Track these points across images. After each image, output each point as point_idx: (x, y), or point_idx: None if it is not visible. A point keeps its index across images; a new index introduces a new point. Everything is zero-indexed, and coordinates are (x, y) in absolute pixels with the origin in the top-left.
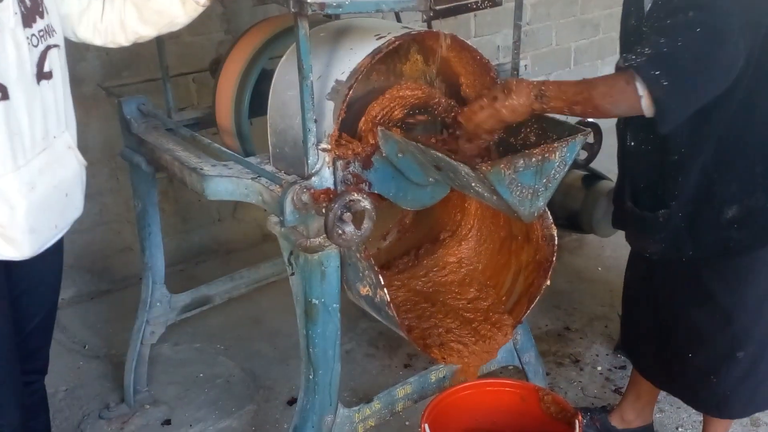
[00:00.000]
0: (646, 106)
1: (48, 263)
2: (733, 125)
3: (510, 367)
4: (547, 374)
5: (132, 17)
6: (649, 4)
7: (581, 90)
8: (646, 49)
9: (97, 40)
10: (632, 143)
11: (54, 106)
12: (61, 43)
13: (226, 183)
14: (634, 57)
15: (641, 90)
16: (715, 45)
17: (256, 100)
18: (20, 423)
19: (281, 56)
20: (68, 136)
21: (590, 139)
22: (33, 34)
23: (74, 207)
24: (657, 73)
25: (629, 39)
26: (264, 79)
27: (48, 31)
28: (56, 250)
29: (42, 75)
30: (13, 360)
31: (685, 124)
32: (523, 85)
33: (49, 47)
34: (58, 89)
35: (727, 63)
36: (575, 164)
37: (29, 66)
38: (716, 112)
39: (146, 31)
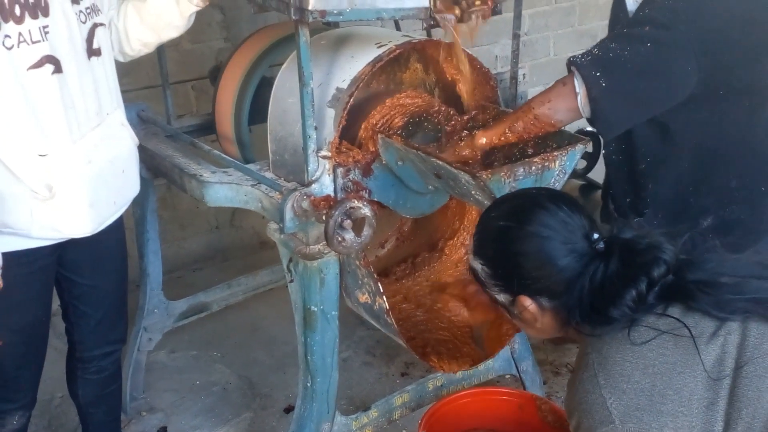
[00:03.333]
0: (583, 105)
1: (112, 239)
2: (707, 140)
3: (507, 376)
4: (544, 383)
5: (134, 23)
6: (633, 11)
7: (521, 107)
8: (595, 50)
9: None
10: (606, 152)
11: (105, 82)
12: (107, 23)
13: (225, 190)
14: (580, 56)
15: (578, 87)
16: (662, 61)
17: (256, 108)
18: (30, 413)
19: (281, 64)
20: (121, 114)
21: (589, 148)
22: (80, 11)
23: (131, 185)
24: (597, 73)
25: None
26: (264, 86)
27: (94, 9)
28: (117, 226)
29: (92, 51)
30: (44, 345)
31: (648, 134)
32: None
33: (96, 25)
34: (108, 67)
35: (671, 80)
36: (573, 173)
37: (80, 41)
38: (676, 124)
39: (148, 36)
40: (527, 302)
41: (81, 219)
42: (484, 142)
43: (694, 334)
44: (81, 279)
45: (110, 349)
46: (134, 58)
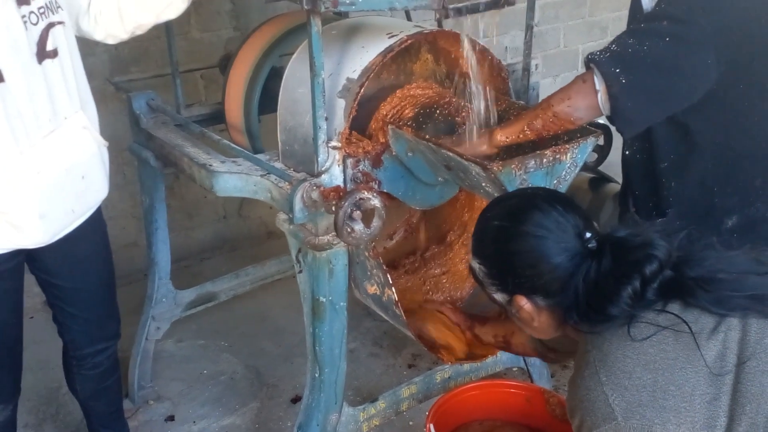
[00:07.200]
0: (603, 102)
1: (88, 241)
2: (729, 140)
3: (515, 369)
4: (552, 376)
5: (130, 4)
6: (649, 9)
7: (539, 104)
8: (613, 46)
9: (97, 35)
10: (627, 152)
11: (63, 85)
12: (67, 20)
13: (235, 179)
14: (598, 52)
15: (598, 84)
16: (681, 56)
17: (266, 98)
18: (14, 403)
19: (291, 54)
20: (82, 116)
21: (601, 141)
22: (31, 12)
23: (95, 189)
24: (617, 70)
25: None
26: (274, 76)
27: (50, 8)
28: (93, 228)
29: (45, 54)
30: (18, 345)
31: (668, 133)
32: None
33: (51, 24)
34: (67, 67)
35: (691, 75)
36: (584, 166)
37: (27, 46)
38: (697, 123)
39: (145, 17)
40: (522, 301)
41: (30, 230)
42: (503, 139)
43: (694, 330)
44: (60, 281)
45: (103, 346)
46: (124, 40)
